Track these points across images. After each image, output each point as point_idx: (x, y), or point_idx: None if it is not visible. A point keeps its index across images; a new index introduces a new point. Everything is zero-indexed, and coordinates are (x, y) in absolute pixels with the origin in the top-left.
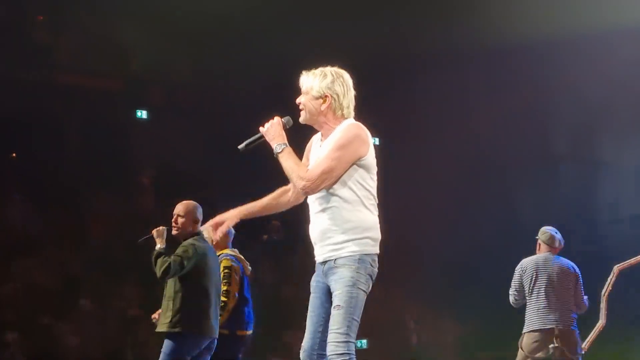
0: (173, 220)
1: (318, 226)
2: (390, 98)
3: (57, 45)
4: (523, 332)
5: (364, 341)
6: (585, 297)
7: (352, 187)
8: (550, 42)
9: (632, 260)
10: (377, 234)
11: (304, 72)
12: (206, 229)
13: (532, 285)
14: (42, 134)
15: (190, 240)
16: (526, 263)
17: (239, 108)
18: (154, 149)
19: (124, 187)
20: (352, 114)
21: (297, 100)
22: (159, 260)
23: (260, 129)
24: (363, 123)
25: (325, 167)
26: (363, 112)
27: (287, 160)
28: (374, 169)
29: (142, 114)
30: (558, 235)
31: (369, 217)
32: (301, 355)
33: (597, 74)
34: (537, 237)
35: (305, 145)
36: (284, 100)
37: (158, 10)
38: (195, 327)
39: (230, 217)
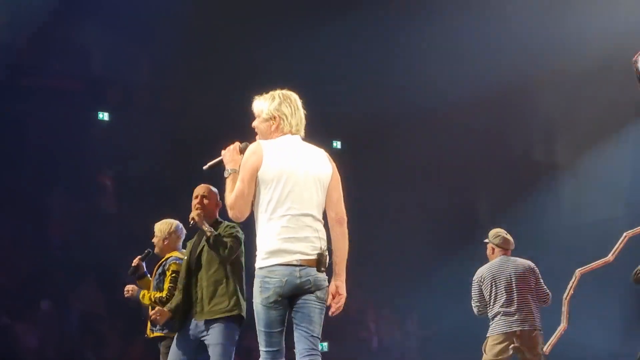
0: (197, 202)
1: None
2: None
3: (18, 45)
4: (487, 335)
5: (325, 344)
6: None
7: (253, 204)
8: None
9: (594, 265)
10: (270, 246)
11: (255, 98)
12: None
13: (492, 292)
14: (1, 134)
15: (227, 223)
16: (482, 272)
17: (199, 108)
18: (115, 149)
19: (84, 188)
20: (302, 132)
21: (253, 125)
22: (222, 240)
23: (222, 152)
24: (325, 126)
25: (238, 192)
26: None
27: (227, 187)
28: (274, 178)
29: (104, 115)
30: (509, 236)
31: (262, 230)
32: None
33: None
34: (486, 241)
35: None
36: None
37: (117, 10)
38: (244, 311)
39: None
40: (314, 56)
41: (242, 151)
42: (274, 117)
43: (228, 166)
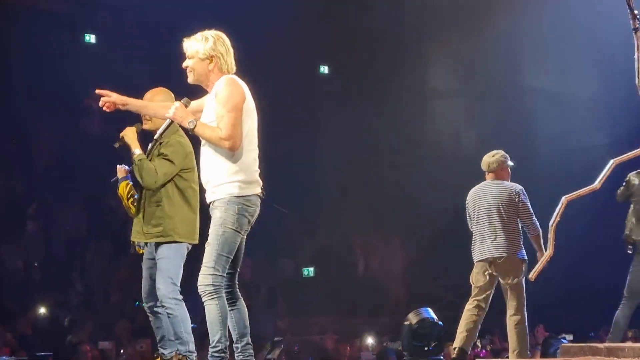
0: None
1: (206, 170)
2: None
3: None
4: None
5: (311, 269)
6: (534, 219)
7: None
8: None
9: (581, 192)
10: (248, 176)
11: (185, 39)
12: None
13: (472, 215)
14: None
15: (178, 135)
16: (469, 194)
17: (190, 31)
18: (101, 72)
19: (70, 110)
20: (234, 69)
21: (184, 64)
22: (147, 166)
23: (166, 115)
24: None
25: (233, 121)
26: None
27: (203, 130)
28: (252, 111)
29: (90, 38)
30: (493, 158)
31: (240, 160)
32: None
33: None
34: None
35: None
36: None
37: None
38: (183, 237)
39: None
40: None
41: (186, 106)
42: (211, 57)
43: (185, 120)
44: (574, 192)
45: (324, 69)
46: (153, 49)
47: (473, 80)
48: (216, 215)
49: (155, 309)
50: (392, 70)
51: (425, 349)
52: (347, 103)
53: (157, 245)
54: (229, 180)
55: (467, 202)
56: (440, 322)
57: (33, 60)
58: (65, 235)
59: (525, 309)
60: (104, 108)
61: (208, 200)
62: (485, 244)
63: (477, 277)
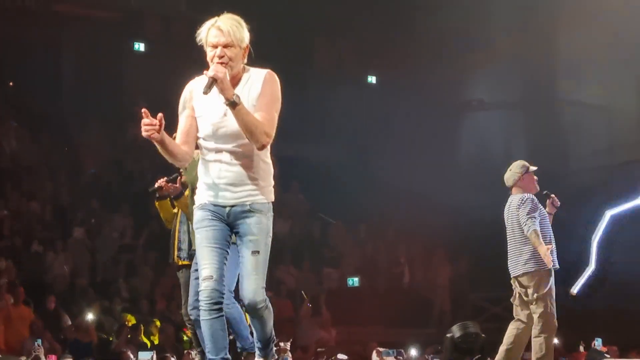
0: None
1: (232, 172)
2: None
3: None
4: None
5: (356, 279)
6: (526, 224)
7: None
8: None
9: (626, 206)
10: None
11: (225, 25)
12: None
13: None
14: (39, 64)
15: None
16: None
17: None
18: (150, 80)
19: (119, 118)
20: None
21: (220, 54)
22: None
23: (207, 73)
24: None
25: (273, 121)
26: None
27: (247, 114)
28: None
29: (140, 46)
30: (509, 173)
31: (270, 164)
32: (211, 283)
33: None
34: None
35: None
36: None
37: None
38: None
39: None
40: None
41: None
42: (247, 47)
43: (229, 92)
44: (618, 207)
45: (372, 79)
46: (201, 58)
47: (519, 92)
48: (261, 221)
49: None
50: (437, 80)
51: None
52: (392, 113)
53: None
54: (270, 183)
55: None
56: (483, 335)
57: (82, 68)
58: (111, 242)
59: (552, 323)
60: (144, 133)
61: (234, 201)
62: (510, 261)
63: (513, 294)
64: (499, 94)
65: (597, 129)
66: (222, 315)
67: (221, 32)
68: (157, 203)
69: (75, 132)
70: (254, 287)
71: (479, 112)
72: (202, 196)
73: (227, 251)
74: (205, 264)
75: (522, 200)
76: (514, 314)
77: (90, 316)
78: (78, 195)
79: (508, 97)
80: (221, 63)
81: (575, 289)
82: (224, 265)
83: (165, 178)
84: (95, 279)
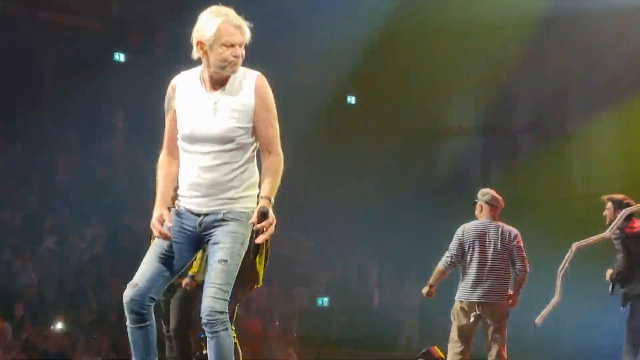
0: None
1: (209, 178)
2: None
3: None
4: (455, 298)
5: (326, 299)
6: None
7: (253, 147)
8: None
9: (591, 239)
10: None
11: (242, 22)
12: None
13: (471, 253)
14: (18, 70)
15: None
16: (468, 229)
17: None
18: (129, 91)
19: (96, 127)
20: None
21: (239, 53)
22: None
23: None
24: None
25: (278, 134)
26: None
27: (274, 185)
28: None
29: (120, 56)
30: (498, 195)
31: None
32: (130, 291)
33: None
34: (476, 200)
35: None
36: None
37: None
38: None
39: (165, 213)
40: None
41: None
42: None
43: (270, 211)
44: (584, 240)
45: (351, 100)
46: (183, 69)
47: (500, 117)
48: (236, 230)
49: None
50: (415, 105)
51: None
52: (370, 134)
53: None
54: (253, 193)
55: (465, 235)
56: None
57: (61, 76)
58: (80, 252)
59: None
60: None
61: (207, 209)
62: (491, 287)
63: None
64: (478, 119)
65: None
66: (145, 326)
67: (241, 30)
68: None
69: (51, 141)
70: (212, 294)
71: (457, 137)
72: (179, 201)
73: (171, 270)
74: (140, 271)
75: (518, 234)
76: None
77: (58, 326)
78: (49, 204)
79: (486, 122)
80: (235, 64)
81: (539, 319)
82: (157, 280)
83: None
84: (63, 289)
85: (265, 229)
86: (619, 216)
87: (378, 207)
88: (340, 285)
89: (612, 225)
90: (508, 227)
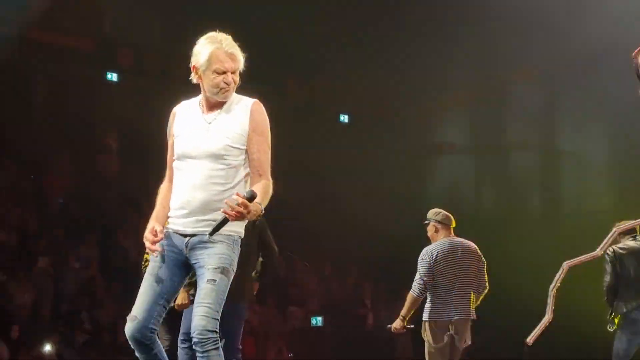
0: None
1: (199, 199)
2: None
3: (30, 1)
4: (424, 319)
5: (319, 318)
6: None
7: (245, 172)
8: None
9: (582, 258)
10: None
11: (236, 50)
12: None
13: (440, 274)
14: (8, 90)
15: None
16: (434, 250)
17: None
18: (122, 111)
19: (88, 147)
20: None
21: (231, 80)
22: None
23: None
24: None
25: (269, 159)
26: None
27: (263, 200)
28: None
29: (112, 76)
30: (448, 213)
31: None
32: (131, 325)
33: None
34: (426, 222)
35: None
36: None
37: None
38: None
39: (158, 227)
40: None
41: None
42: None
43: (257, 214)
44: (576, 258)
45: (344, 118)
46: (174, 89)
47: (486, 136)
48: (223, 252)
49: None
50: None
51: None
52: (363, 152)
53: None
54: None
55: (432, 257)
56: None
57: (53, 96)
58: (75, 273)
59: None
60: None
61: (192, 230)
62: (464, 306)
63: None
64: (471, 137)
65: (567, 175)
66: (154, 354)
67: (233, 57)
68: None
69: (44, 161)
70: (202, 313)
71: (449, 155)
72: (168, 222)
73: (165, 297)
74: (136, 302)
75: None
76: None
77: (51, 347)
78: (44, 224)
79: (480, 140)
80: (226, 90)
81: (530, 339)
82: (154, 309)
83: None
84: (58, 310)
85: (239, 213)
86: (609, 235)
87: (371, 225)
88: (335, 305)
89: (602, 244)
90: (468, 242)
